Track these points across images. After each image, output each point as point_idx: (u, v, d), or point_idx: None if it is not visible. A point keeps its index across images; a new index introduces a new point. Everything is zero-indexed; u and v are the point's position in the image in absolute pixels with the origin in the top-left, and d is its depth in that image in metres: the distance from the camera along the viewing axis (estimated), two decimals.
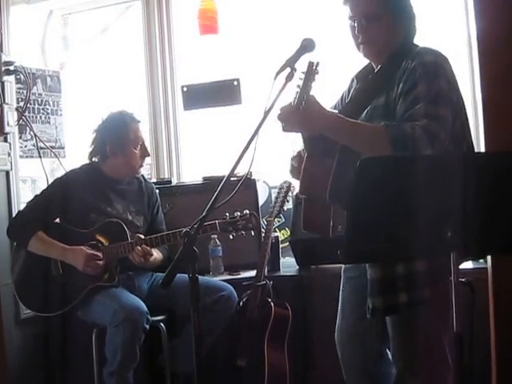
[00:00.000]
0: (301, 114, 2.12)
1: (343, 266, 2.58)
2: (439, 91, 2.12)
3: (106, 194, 3.47)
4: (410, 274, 2.15)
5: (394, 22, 2.30)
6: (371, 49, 2.35)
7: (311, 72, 2.13)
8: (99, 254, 3.29)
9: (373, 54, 2.37)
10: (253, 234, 3.30)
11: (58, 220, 3.50)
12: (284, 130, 2.21)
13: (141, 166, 3.55)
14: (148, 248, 3.26)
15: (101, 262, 3.28)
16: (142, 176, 3.67)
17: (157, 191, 3.70)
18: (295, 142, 2.41)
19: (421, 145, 2.03)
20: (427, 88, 2.12)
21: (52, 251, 3.35)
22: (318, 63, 2.14)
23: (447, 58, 2.23)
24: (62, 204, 3.41)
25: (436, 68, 2.16)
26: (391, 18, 2.29)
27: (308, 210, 2.37)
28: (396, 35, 2.31)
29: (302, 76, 2.14)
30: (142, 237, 3.31)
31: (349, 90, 2.55)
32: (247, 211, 3.23)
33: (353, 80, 2.54)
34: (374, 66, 2.41)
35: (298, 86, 2.14)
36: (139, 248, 3.25)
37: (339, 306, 2.59)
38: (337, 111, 2.37)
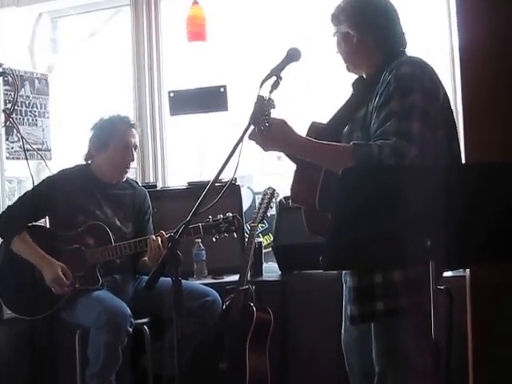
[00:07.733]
0: (266, 138, 2.14)
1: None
2: (412, 106, 2.10)
3: (96, 197, 3.44)
4: (387, 283, 2.16)
5: (369, 41, 2.31)
6: (350, 65, 2.41)
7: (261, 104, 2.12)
8: (69, 281, 3.23)
9: (354, 69, 2.42)
10: (235, 236, 3.32)
11: (46, 218, 3.50)
12: (264, 150, 2.22)
13: (125, 170, 3.51)
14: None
15: (66, 289, 3.23)
16: (136, 182, 3.66)
17: (149, 198, 3.66)
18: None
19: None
20: (399, 103, 2.11)
21: (31, 255, 3.30)
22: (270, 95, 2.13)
23: (429, 66, 2.21)
24: (50, 202, 3.37)
25: (410, 81, 2.14)
26: (365, 37, 2.31)
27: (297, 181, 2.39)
28: (375, 52, 2.32)
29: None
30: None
31: None
32: (230, 214, 3.26)
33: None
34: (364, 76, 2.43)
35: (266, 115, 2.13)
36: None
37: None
38: None
